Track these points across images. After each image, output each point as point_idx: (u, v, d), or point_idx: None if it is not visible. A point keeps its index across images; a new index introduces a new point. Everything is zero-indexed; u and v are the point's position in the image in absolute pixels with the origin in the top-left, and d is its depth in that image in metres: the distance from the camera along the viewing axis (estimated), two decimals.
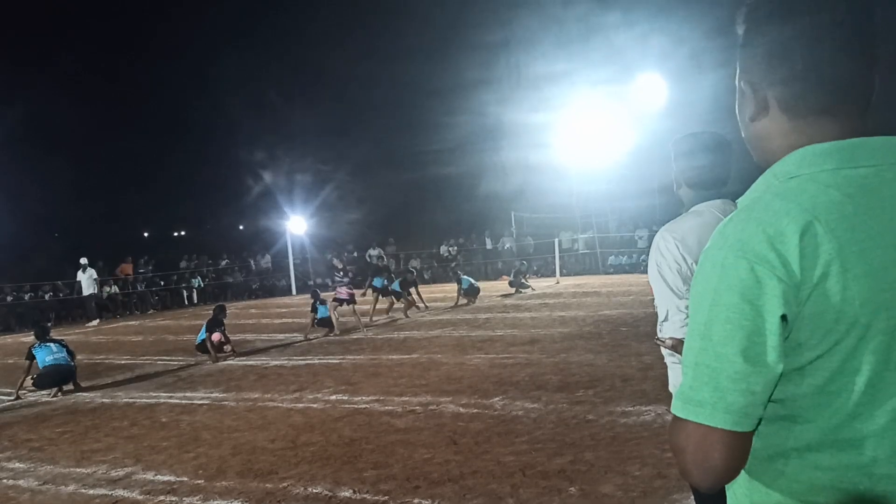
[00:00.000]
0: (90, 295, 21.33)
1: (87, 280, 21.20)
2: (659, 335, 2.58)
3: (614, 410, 6.54)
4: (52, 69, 35.12)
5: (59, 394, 9.62)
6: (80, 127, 34.26)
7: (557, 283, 22.93)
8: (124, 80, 39.45)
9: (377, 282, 17.19)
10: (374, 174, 33.68)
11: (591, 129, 25.08)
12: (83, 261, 21.43)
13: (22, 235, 27.51)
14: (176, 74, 39.27)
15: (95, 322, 20.74)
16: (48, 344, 9.85)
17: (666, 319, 2.59)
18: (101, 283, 22.71)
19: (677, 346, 2.37)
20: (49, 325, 12.17)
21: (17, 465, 6.41)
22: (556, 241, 25.20)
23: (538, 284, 21.86)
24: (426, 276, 28.49)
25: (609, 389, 7.41)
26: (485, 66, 27.68)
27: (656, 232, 2.69)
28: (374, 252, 30.70)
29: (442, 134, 30.59)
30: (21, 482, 5.87)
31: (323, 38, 36.65)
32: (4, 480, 5.95)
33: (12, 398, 9.58)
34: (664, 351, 2.68)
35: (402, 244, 30.78)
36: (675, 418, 1.15)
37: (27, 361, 9.74)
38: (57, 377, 9.65)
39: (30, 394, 9.76)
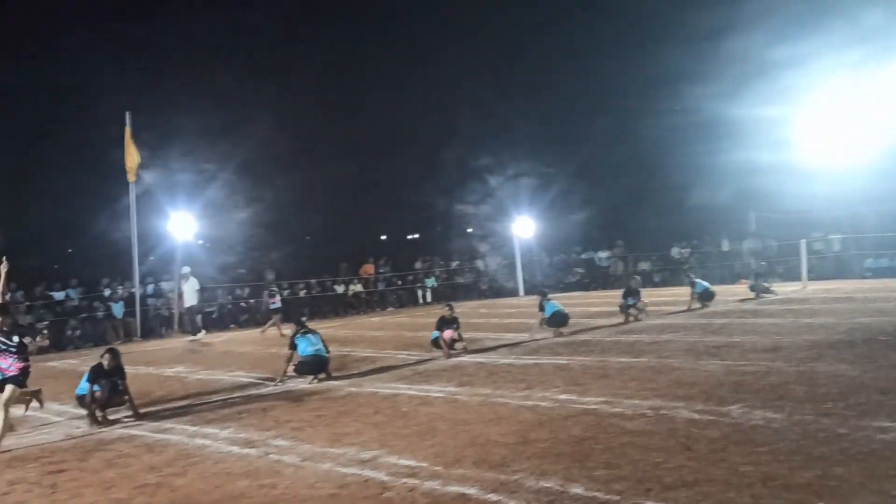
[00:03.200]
0: (191, 307, 19.70)
1: (189, 290, 19.65)
2: None
3: (869, 425, 6.02)
4: (298, 86, 38.37)
5: (316, 381, 10.61)
6: (329, 142, 37.31)
7: (804, 287, 21.28)
8: (356, 91, 42.11)
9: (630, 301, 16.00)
10: (598, 175, 33.35)
11: (841, 121, 22.91)
12: (185, 270, 20.06)
13: (278, 240, 30.45)
14: (405, 83, 41.39)
15: (202, 333, 19.50)
16: (308, 335, 10.90)
17: None
18: (345, 283, 24.66)
19: None
20: (305, 318, 13.40)
21: (281, 442, 7.18)
22: (803, 242, 23.20)
23: (782, 289, 20.42)
24: (655, 280, 27.71)
25: (863, 402, 6.82)
26: (710, 56, 26.21)
27: None
28: (603, 255, 30.37)
29: (670, 131, 29.61)
30: (285, 458, 6.58)
31: (539, 40, 36.96)
32: (272, 455, 6.70)
33: (275, 383, 10.72)
34: None
35: (630, 246, 30.15)
36: None
37: (289, 351, 10.85)
38: (315, 366, 10.66)
39: (290, 380, 10.85)
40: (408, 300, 27.55)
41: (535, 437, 6.54)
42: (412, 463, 6.07)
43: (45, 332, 14.53)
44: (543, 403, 7.98)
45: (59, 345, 18.95)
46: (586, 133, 34.67)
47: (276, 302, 19.38)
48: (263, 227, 28.35)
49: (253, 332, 20.39)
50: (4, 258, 8.45)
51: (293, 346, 10.83)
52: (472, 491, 5.23)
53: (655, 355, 10.61)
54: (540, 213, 30.39)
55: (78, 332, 19.68)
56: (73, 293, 21.25)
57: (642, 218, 30.96)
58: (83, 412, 8.84)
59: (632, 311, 15.64)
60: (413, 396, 9.05)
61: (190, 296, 19.46)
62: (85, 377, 8.91)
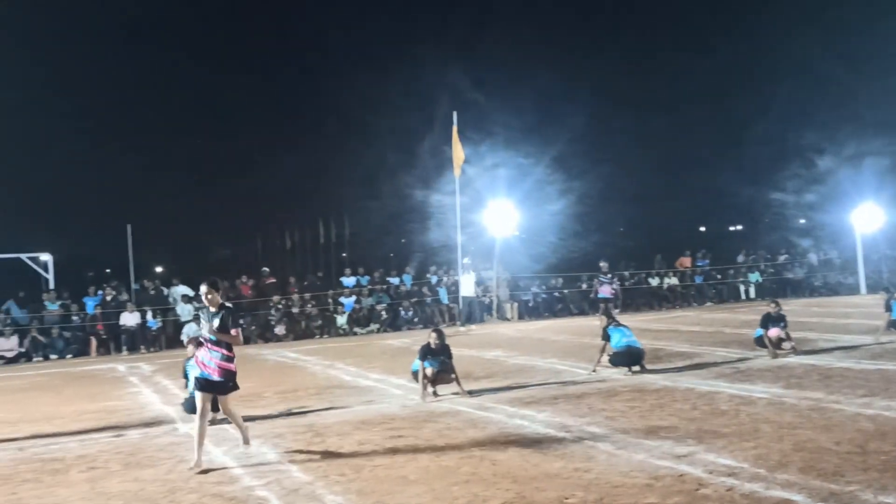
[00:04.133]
0: (466, 297, 20.39)
1: (467, 282, 20.23)
2: None
3: None
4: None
5: (630, 373, 10.61)
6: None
7: None
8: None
9: None
10: None
11: None
12: (465, 261, 20.58)
13: (588, 231, 30.66)
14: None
15: (469, 326, 20.05)
16: (621, 327, 10.94)
17: None
18: (659, 276, 24.09)
19: None
20: (616, 310, 13.41)
21: (595, 429, 7.32)
22: None
23: None
24: None
25: None
26: None
27: None
28: None
29: None
30: (599, 445, 6.70)
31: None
32: (586, 441, 6.87)
33: (589, 372, 10.90)
34: None
35: None
36: None
37: (603, 342, 10.97)
38: (629, 358, 10.67)
39: (603, 370, 10.96)
40: (728, 295, 26.15)
41: (874, 449, 5.92)
42: (731, 462, 5.84)
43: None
44: (887, 413, 7.17)
45: (394, 325, 21.17)
46: None
47: (606, 292, 19.54)
48: (574, 218, 28.78)
49: (566, 322, 20.85)
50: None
51: (606, 337, 10.92)
52: (797, 498, 4.90)
53: None
54: (888, 200, 26.77)
55: (410, 314, 21.70)
56: (406, 279, 23.46)
57: None
58: (416, 386, 9.78)
59: None
60: (733, 395, 8.65)
61: (467, 287, 20.43)
62: (418, 355, 9.83)
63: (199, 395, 6.85)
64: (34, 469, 6.97)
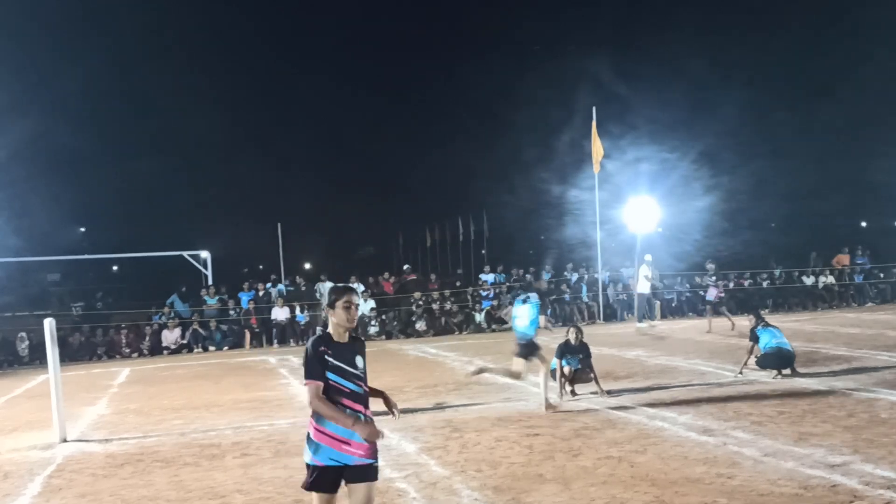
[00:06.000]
0: (641, 294, 19.58)
1: (641, 277, 19.48)
2: None
3: None
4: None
5: (779, 376, 10.10)
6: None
7: None
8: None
9: None
10: None
11: None
12: (647, 257, 20.05)
13: (736, 228, 29.36)
14: None
15: (645, 323, 19.14)
16: (770, 328, 10.43)
17: None
18: (815, 275, 22.70)
19: None
20: (765, 310, 12.78)
21: (741, 434, 7.03)
22: None
23: None
24: None
25: None
26: None
27: None
28: None
29: None
30: (745, 450, 6.44)
31: None
32: (730, 446, 6.62)
33: (735, 374, 10.46)
34: None
35: None
36: None
37: (750, 343, 10.50)
38: (778, 360, 10.15)
39: (751, 372, 10.49)
40: (892, 295, 24.26)
41: None
42: (891, 475, 5.46)
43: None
44: None
45: None
46: None
47: (711, 294, 18.65)
48: (723, 215, 27.66)
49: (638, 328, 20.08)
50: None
51: (755, 338, 10.44)
52: None
53: None
54: None
55: (549, 312, 21.57)
56: (545, 276, 23.34)
57: None
58: (554, 384, 9.74)
59: None
60: (895, 403, 8.06)
61: (642, 283, 19.90)
62: (555, 353, 9.79)
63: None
64: (194, 454, 7.53)
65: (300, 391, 11.41)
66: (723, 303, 18.82)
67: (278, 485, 6.21)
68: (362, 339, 4.10)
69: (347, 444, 3.80)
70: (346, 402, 3.80)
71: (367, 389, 3.94)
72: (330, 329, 3.90)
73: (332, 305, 3.87)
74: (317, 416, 3.83)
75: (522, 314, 8.98)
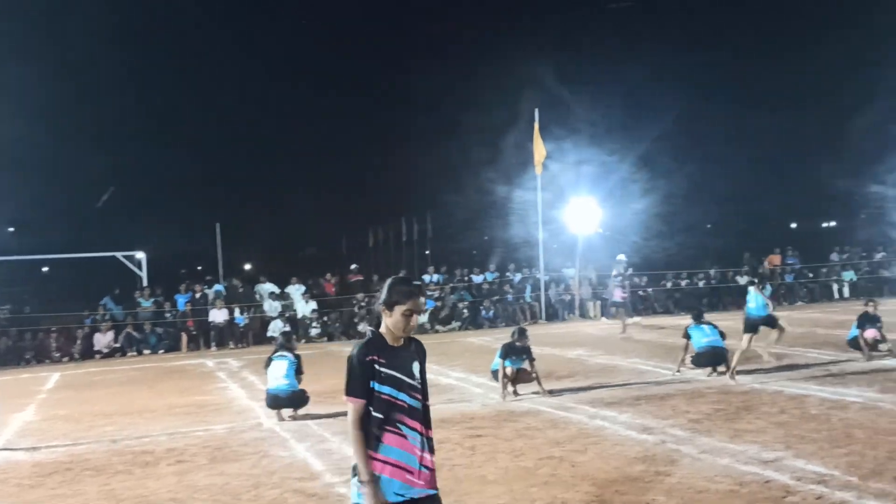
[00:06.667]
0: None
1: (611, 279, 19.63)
2: None
3: None
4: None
5: (715, 374, 10.32)
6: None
7: None
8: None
9: None
10: None
11: None
12: (620, 257, 19.87)
13: (673, 230, 29.96)
14: None
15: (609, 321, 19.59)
16: (702, 325, 10.64)
17: None
18: (747, 275, 23.35)
19: None
20: (703, 309, 13.04)
21: (679, 432, 7.16)
22: None
23: None
24: None
25: None
26: None
27: None
28: None
29: None
30: (682, 448, 6.55)
31: None
32: (668, 444, 6.73)
33: (673, 373, 10.66)
34: None
35: None
36: None
37: (684, 340, 10.71)
38: (712, 358, 10.37)
39: (688, 371, 10.69)
40: (821, 295, 25.10)
41: None
42: (821, 469, 5.62)
43: None
44: None
45: (475, 323, 21.17)
46: None
47: (617, 296, 18.85)
48: (659, 217, 28.20)
49: (649, 321, 20.45)
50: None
51: (687, 336, 10.66)
52: None
53: None
54: None
55: (491, 313, 21.67)
56: (489, 276, 23.45)
57: None
58: (496, 385, 9.77)
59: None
60: (825, 399, 8.32)
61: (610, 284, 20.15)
62: (498, 353, 9.81)
63: None
64: (126, 461, 7.30)
65: (238, 395, 11.18)
66: (626, 304, 18.92)
67: (214, 492, 6.07)
68: (419, 340, 3.40)
69: (411, 472, 3.17)
70: (404, 419, 3.18)
71: (426, 404, 3.30)
72: (382, 330, 3.27)
73: (389, 306, 3.22)
74: (372, 440, 3.16)
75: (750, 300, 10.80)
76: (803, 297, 24.77)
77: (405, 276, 3.43)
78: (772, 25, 39.00)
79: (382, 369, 3.15)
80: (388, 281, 3.32)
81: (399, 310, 3.19)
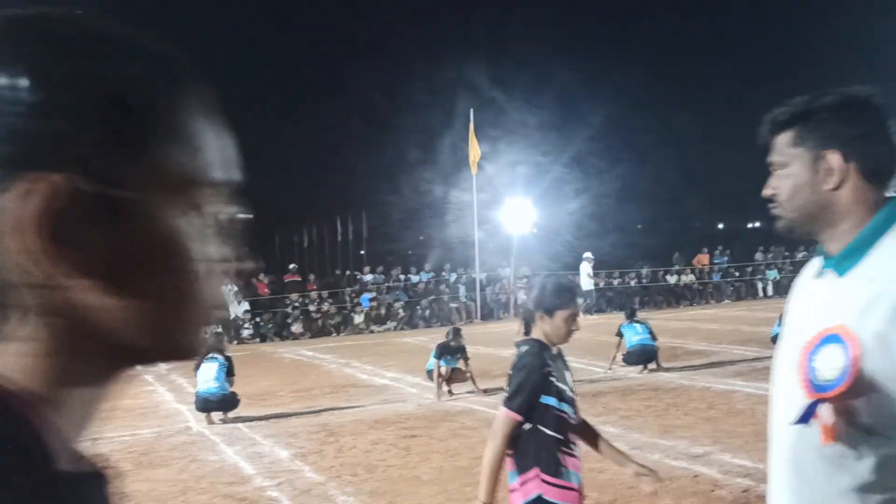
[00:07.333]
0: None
1: (583, 275, 20.41)
2: None
3: None
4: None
5: (645, 371, 10.52)
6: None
7: None
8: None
9: None
10: None
11: None
12: (587, 254, 21.18)
13: (605, 229, 30.62)
14: None
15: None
16: (634, 324, 10.84)
17: None
18: (677, 273, 23.96)
19: None
20: (636, 308, 13.30)
21: (611, 429, 7.24)
22: None
23: None
24: None
25: None
26: None
27: None
28: None
29: None
30: (614, 444, 6.62)
31: None
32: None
33: (605, 370, 10.82)
34: None
35: None
36: None
37: (617, 338, 10.89)
38: (642, 356, 10.57)
39: (620, 368, 10.86)
40: (746, 293, 25.94)
41: None
42: (748, 463, 5.76)
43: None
44: None
45: (411, 322, 21.14)
46: None
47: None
48: (592, 217, 28.71)
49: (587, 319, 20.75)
50: None
51: (619, 334, 10.85)
52: None
53: None
54: None
55: (427, 312, 21.67)
56: (424, 276, 23.44)
57: None
58: (431, 385, 9.74)
59: None
60: (750, 394, 8.55)
61: (585, 280, 20.36)
62: (433, 353, 9.78)
63: None
64: None
65: (166, 398, 10.87)
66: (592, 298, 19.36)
67: (140, 499, 5.86)
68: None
69: (583, 498, 2.83)
70: (575, 438, 2.85)
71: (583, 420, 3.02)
72: (541, 337, 2.92)
73: (549, 311, 2.87)
74: (552, 464, 2.72)
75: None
76: (730, 295, 25.53)
77: (561, 278, 3.20)
78: (701, 28, 40.16)
79: (555, 382, 2.80)
80: (543, 283, 3.03)
81: (562, 315, 2.86)
